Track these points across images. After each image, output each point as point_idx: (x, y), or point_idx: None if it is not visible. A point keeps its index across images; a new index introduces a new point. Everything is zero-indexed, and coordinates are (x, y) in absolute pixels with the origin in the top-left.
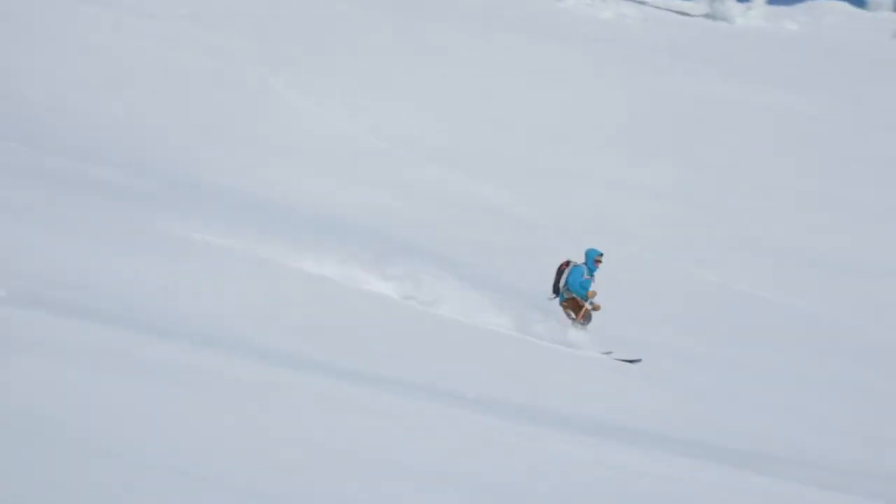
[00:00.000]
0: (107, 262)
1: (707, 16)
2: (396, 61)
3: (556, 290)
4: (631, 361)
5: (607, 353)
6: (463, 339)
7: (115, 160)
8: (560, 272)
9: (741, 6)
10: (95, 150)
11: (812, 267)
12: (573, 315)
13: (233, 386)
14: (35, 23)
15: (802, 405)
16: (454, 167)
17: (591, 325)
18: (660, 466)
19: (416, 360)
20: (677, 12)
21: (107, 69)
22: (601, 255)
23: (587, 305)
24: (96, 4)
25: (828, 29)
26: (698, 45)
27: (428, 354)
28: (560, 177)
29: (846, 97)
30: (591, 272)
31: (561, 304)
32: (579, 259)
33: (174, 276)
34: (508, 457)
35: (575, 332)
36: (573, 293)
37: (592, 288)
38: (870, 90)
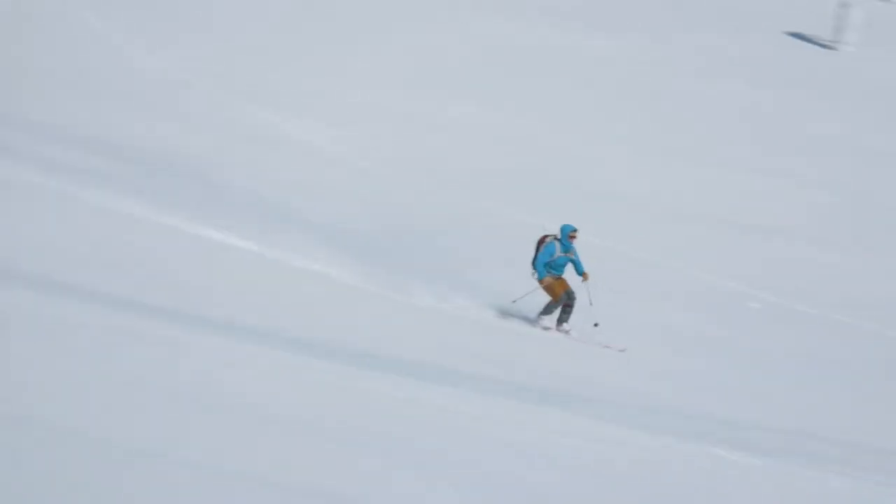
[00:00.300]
0: None
1: None
2: (230, 7)
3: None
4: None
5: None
6: (305, 289)
7: None
8: (538, 247)
9: None
10: None
11: (639, 211)
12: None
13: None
14: None
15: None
16: (288, 112)
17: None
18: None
19: (259, 308)
20: None
21: None
22: (575, 230)
23: (591, 281)
24: None
25: None
26: None
27: (267, 303)
28: (396, 122)
29: (658, 39)
30: (567, 248)
31: (539, 281)
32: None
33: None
34: (339, 398)
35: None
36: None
37: (585, 270)
38: (677, 33)
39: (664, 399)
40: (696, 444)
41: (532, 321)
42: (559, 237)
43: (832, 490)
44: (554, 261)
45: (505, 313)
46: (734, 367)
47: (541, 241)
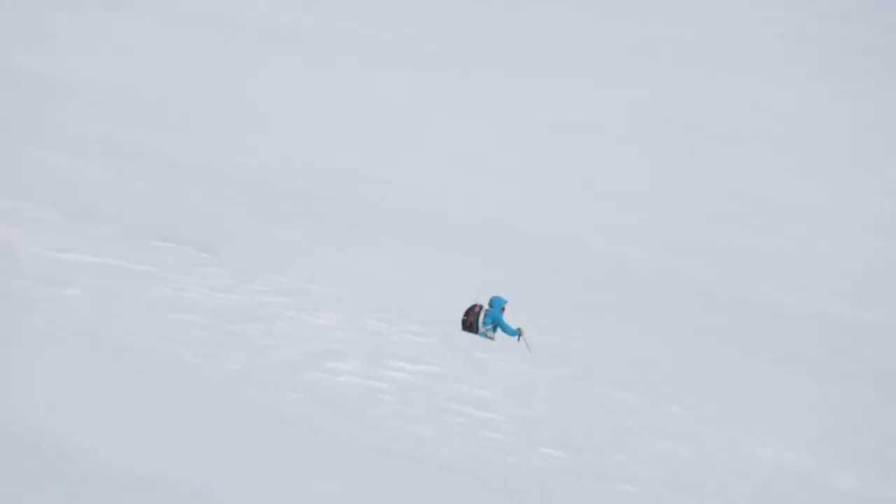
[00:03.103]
0: None
1: None
2: None
3: (469, 329)
4: None
5: None
6: None
7: None
8: (475, 313)
9: None
10: None
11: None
12: None
13: None
14: None
15: None
16: None
17: None
18: None
19: None
20: None
21: None
22: (506, 302)
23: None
24: None
25: None
26: None
27: None
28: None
29: None
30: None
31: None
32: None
33: None
34: None
35: None
36: (506, 333)
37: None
38: None
39: None
40: None
41: None
42: (490, 307)
43: None
44: (510, 328)
45: None
46: None
47: (478, 308)
